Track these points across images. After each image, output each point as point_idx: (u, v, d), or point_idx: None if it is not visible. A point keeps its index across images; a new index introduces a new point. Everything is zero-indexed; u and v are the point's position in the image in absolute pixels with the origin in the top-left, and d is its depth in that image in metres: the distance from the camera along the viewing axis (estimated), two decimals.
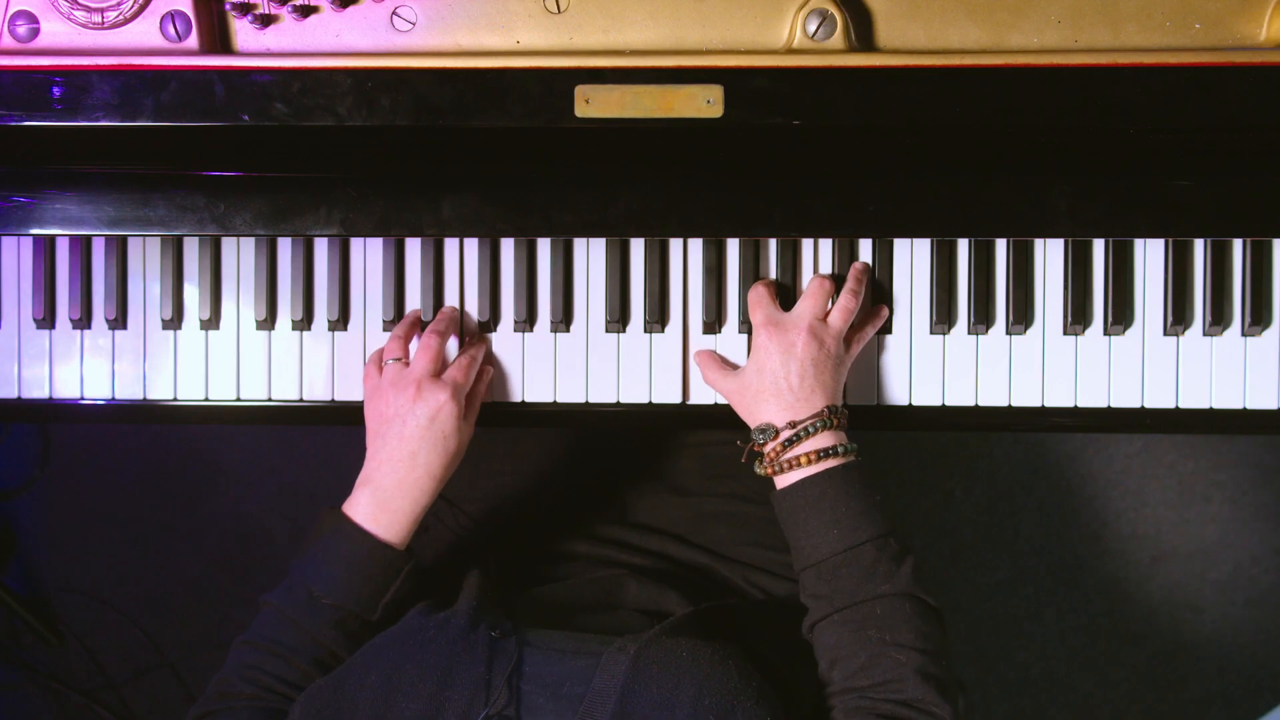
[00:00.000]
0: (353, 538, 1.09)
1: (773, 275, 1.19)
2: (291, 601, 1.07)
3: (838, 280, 1.17)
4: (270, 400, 1.22)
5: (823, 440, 1.07)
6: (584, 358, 1.21)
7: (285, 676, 1.04)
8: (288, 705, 1.02)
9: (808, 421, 1.07)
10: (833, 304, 1.15)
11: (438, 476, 1.11)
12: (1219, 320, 1.17)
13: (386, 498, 1.10)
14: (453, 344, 1.20)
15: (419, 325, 1.19)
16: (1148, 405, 1.18)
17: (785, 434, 1.07)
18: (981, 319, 1.18)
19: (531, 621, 1.06)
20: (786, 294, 1.19)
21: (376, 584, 1.08)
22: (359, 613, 1.07)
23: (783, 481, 1.08)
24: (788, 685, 1.05)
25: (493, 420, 1.21)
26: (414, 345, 1.18)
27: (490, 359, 1.21)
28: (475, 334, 1.21)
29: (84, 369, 1.22)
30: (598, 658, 0.95)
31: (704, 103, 1.05)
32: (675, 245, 1.20)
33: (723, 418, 1.19)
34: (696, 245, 1.19)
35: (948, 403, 1.19)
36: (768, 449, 1.08)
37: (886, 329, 1.19)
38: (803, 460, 1.06)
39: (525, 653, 0.97)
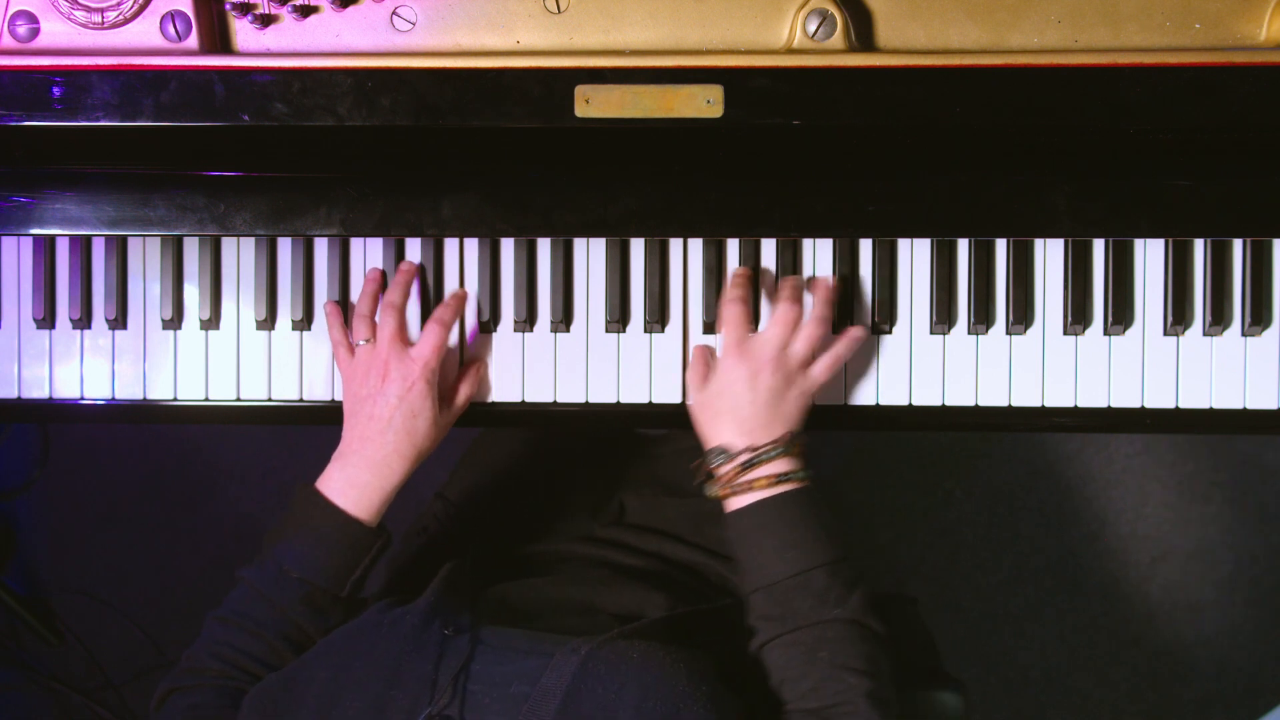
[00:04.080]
0: (322, 512, 1.09)
1: (771, 275, 1.19)
2: (262, 576, 1.07)
3: (809, 282, 1.17)
4: (270, 400, 1.22)
5: (780, 465, 1.07)
6: (584, 358, 1.20)
7: (253, 652, 1.04)
8: (252, 684, 1.02)
9: (766, 447, 1.07)
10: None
11: (407, 455, 1.11)
12: (1219, 320, 1.17)
13: (356, 474, 1.10)
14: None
15: (379, 294, 1.19)
16: (1148, 405, 1.18)
17: (743, 458, 1.07)
18: (981, 319, 1.18)
19: (499, 621, 1.05)
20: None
21: (345, 560, 1.08)
22: (327, 588, 1.07)
23: (736, 503, 1.07)
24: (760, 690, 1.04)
25: (493, 420, 1.21)
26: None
27: (490, 359, 1.21)
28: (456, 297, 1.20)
29: (84, 369, 1.22)
30: (550, 658, 0.94)
31: (704, 103, 1.05)
32: (675, 245, 1.19)
33: None
34: (696, 245, 1.19)
35: (948, 403, 1.19)
36: (723, 471, 1.08)
37: (887, 329, 1.19)
38: (759, 483, 1.06)
39: (477, 651, 0.96)
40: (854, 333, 1.15)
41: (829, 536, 1.05)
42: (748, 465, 1.07)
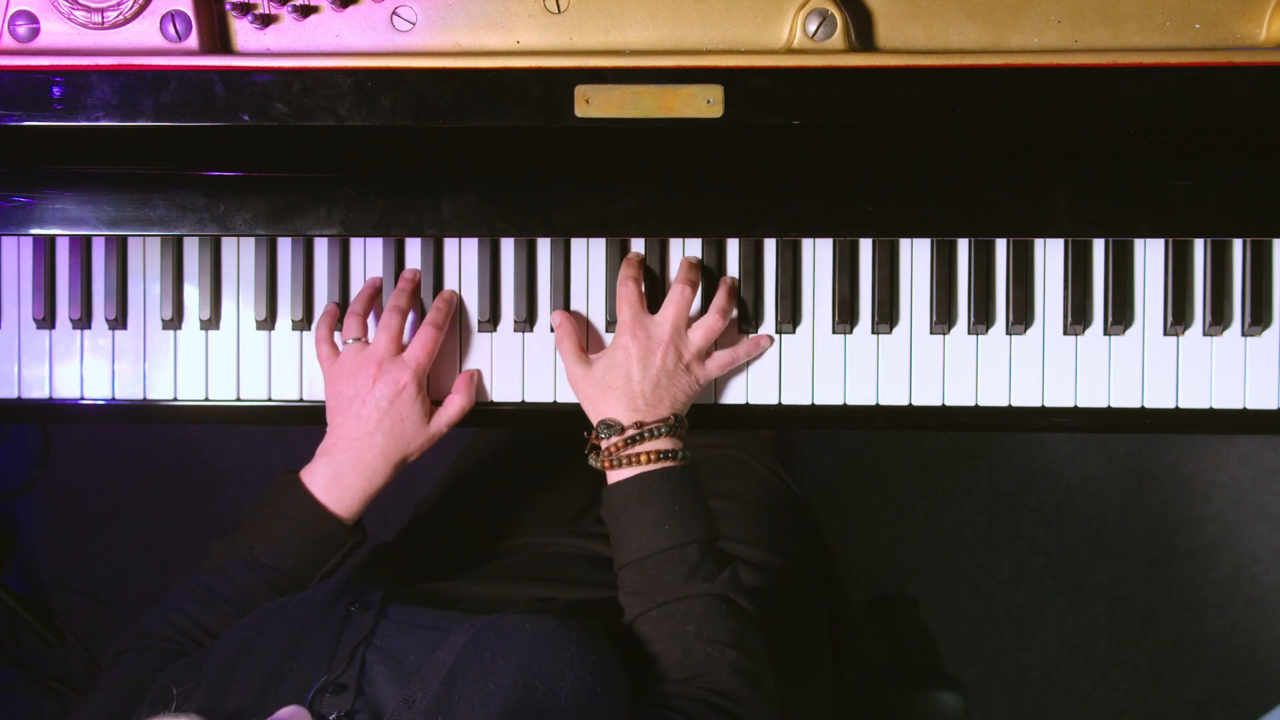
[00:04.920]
0: (302, 503, 1.10)
1: (771, 275, 1.19)
2: (233, 555, 1.08)
3: (707, 272, 1.18)
4: (270, 400, 1.22)
5: (664, 443, 1.08)
6: None
7: (206, 624, 1.04)
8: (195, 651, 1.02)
9: (653, 425, 1.09)
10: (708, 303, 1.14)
11: (393, 459, 1.12)
12: (1219, 320, 1.17)
13: (341, 472, 1.11)
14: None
15: (376, 297, 1.20)
16: (1148, 405, 1.18)
17: (630, 432, 1.08)
18: (981, 319, 1.18)
19: (415, 601, 1.04)
20: (785, 295, 1.19)
21: (317, 552, 1.09)
22: (295, 577, 1.08)
23: (618, 475, 1.08)
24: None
25: (492, 420, 1.21)
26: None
27: (490, 359, 1.21)
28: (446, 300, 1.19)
29: (84, 369, 1.22)
30: (449, 633, 0.93)
31: (704, 103, 1.05)
32: (675, 245, 1.20)
33: (715, 419, 1.19)
34: (696, 245, 1.19)
35: (948, 403, 1.19)
36: (608, 444, 1.09)
37: (887, 330, 1.19)
38: (642, 458, 1.07)
39: (380, 626, 0.96)
40: (759, 342, 1.18)
41: (706, 516, 1.06)
42: (633, 440, 1.08)
